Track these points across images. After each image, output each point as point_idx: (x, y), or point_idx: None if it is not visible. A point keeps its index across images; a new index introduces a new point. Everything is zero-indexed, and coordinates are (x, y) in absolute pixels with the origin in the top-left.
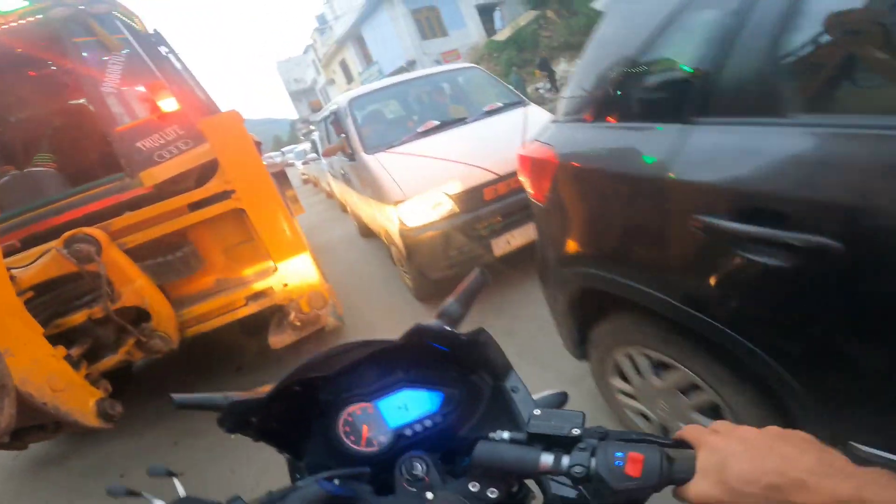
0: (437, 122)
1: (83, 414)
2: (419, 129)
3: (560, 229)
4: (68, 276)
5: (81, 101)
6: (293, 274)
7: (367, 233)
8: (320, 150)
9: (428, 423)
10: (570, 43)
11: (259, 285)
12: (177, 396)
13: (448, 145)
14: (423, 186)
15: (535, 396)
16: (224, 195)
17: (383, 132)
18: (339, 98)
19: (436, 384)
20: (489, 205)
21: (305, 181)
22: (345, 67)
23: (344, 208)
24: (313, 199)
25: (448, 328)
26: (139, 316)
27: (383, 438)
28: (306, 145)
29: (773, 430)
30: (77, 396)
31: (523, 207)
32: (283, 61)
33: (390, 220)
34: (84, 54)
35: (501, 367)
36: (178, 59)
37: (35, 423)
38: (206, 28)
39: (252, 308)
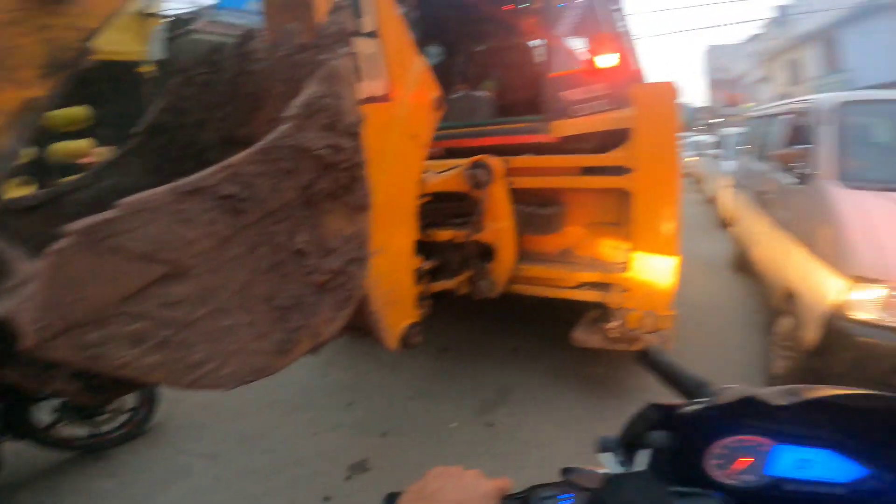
0: None
1: (388, 333)
2: None
3: None
4: (457, 195)
5: (531, 42)
6: (643, 281)
7: (740, 266)
8: (733, 149)
9: (823, 490)
10: None
11: (600, 276)
12: (654, 352)
13: None
14: None
15: None
16: (620, 170)
17: (881, 162)
18: (821, 97)
19: (869, 460)
20: None
21: (685, 174)
22: (794, 67)
23: (723, 223)
24: (688, 197)
25: None
26: (483, 254)
27: (753, 479)
28: (702, 137)
29: None
30: (397, 314)
31: None
32: (715, 46)
33: (820, 291)
34: None
35: None
36: (623, 18)
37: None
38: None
39: (578, 295)
